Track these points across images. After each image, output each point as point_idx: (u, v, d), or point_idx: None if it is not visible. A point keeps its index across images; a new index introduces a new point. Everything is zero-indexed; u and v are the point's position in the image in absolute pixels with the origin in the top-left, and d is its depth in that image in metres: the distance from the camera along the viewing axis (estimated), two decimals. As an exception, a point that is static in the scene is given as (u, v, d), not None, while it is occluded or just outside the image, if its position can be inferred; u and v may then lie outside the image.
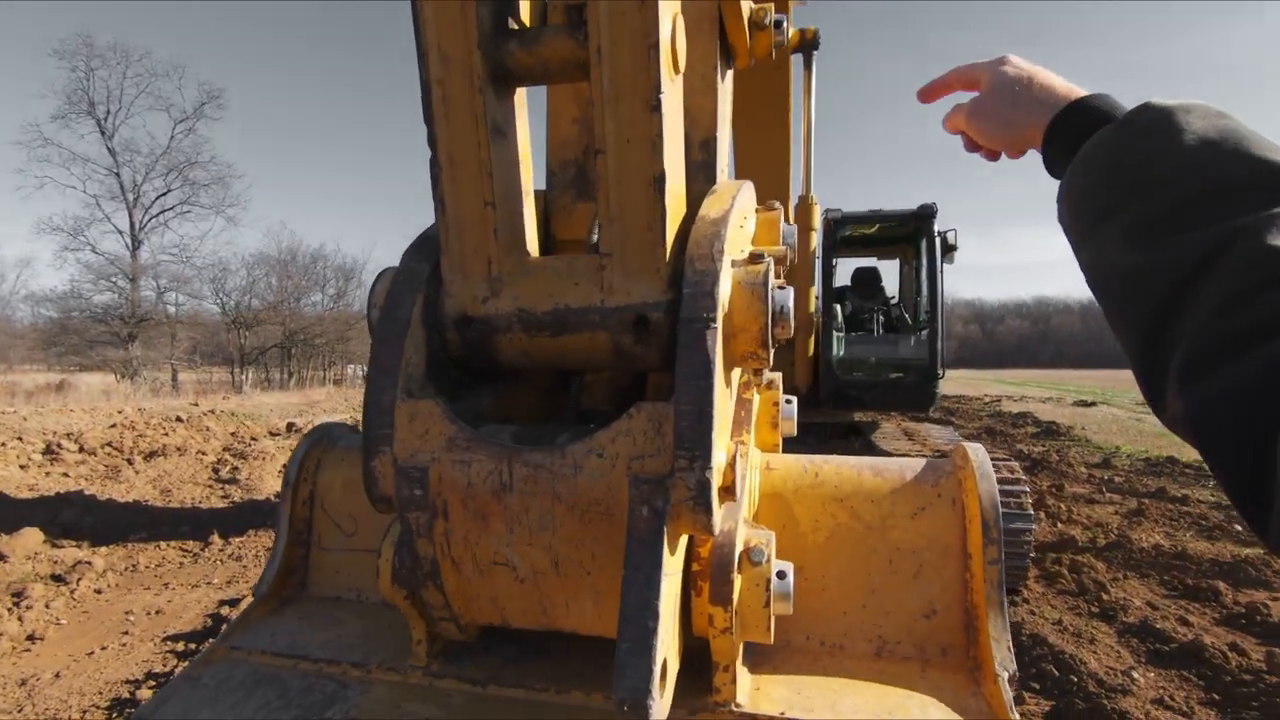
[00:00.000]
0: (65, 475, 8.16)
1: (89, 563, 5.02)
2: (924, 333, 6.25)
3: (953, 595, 1.03)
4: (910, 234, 6.69)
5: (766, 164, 5.59)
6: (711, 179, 1.28)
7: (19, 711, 3.19)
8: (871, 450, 5.94)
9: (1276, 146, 0.62)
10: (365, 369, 0.90)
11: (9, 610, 4.18)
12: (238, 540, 5.96)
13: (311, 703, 0.99)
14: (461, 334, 0.94)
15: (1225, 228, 0.58)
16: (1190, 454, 9.95)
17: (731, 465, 0.83)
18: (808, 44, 5.51)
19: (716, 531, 0.81)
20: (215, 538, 5.93)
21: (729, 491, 0.83)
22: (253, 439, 11.55)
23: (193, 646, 3.92)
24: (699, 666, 0.95)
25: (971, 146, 0.95)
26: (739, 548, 0.89)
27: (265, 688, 1.03)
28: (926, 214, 6.12)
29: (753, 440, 1.18)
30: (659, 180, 0.83)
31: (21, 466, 8.22)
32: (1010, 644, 0.96)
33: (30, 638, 3.92)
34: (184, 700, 1.01)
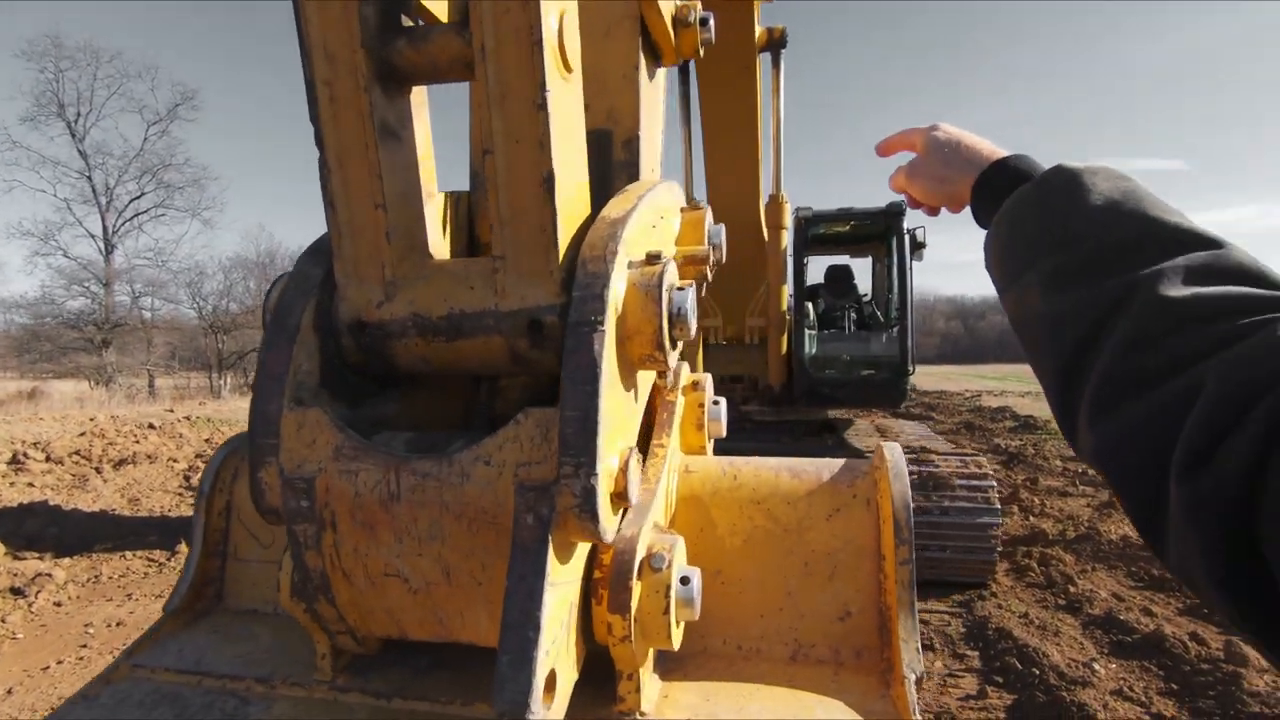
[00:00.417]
0: (30, 485, 8.00)
1: (49, 575, 4.92)
2: (895, 329, 6.29)
3: (867, 597, 1.02)
4: (881, 232, 6.74)
5: (736, 163, 5.60)
6: (635, 178, 1.27)
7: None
8: (845, 448, 5.98)
9: (1167, 206, 0.71)
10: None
11: (-37, 626, 4.09)
12: (206, 549, 5.84)
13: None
14: (357, 339, 0.92)
15: (1127, 279, 0.65)
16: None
17: (624, 471, 0.81)
18: (775, 43, 5.52)
19: (608, 539, 0.80)
20: (183, 547, 5.84)
21: (622, 498, 0.81)
22: (227, 445, 11.36)
23: (153, 658, 3.84)
24: (609, 675, 0.93)
25: (914, 203, 1.05)
26: (640, 554, 0.88)
27: (164, 707, 1.00)
28: (895, 211, 6.17)
29: (674, 443, 1.17)
30: (548, 180, 0.81)
31: (-15, 477, 8.05)
32: (919, 645, 0.95)
33: (-15, 653, 3.83)
34: (79, 721, 0.97)
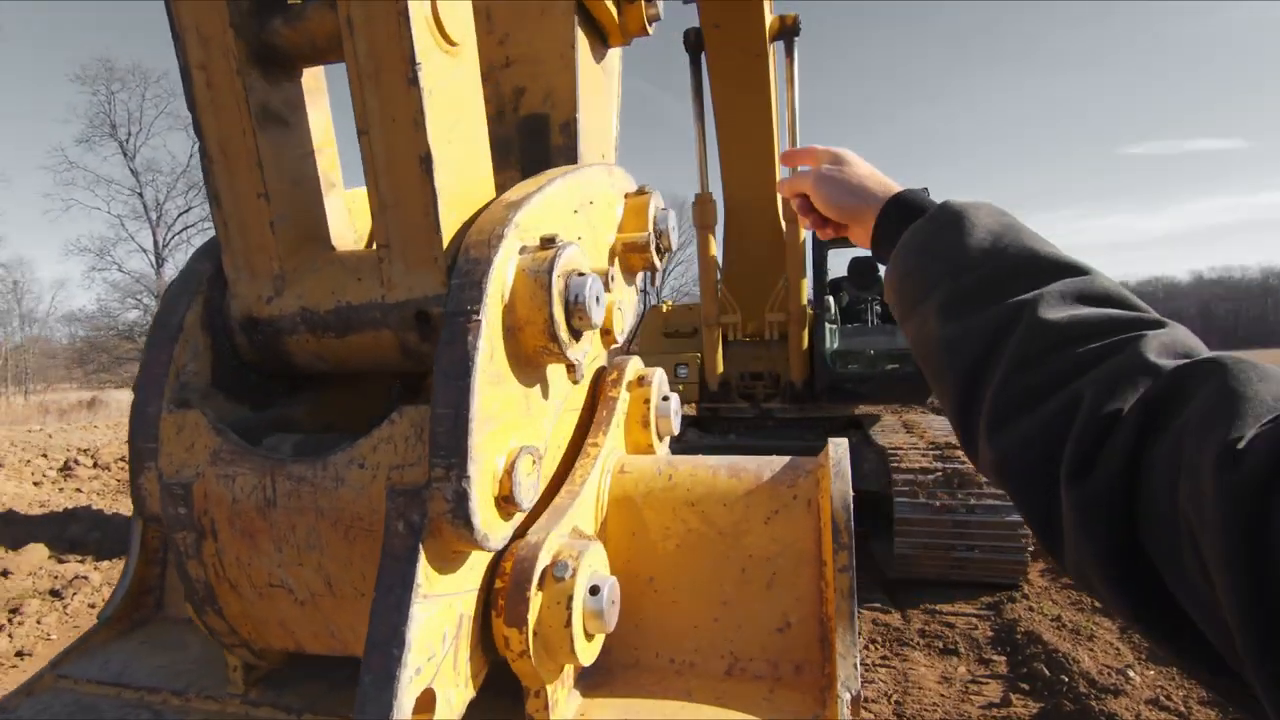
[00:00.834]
0: (78, 490, 8.32)
1: (86, 577, 5.09)
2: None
3: (808, 607, 0.94)
4: (905, 222, 6.52)
5: (750, 155, 5.48)
6: (573, 161, 1.21)
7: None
8: (870, 445, 5.81)
9: (1041, 238, 0.79)
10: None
11: (0, 627, 4.24)
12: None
13: (119, 735, 0.93)
14: (249, 337, 0.88)
15: (1012, 304, 0.72)
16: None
17: (510, 473, 0.75)
18: (788, 30, 5.39)
19: (491, 546, 0.74)
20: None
21: (509, 501, 0.75)
22: (265, 450, 11.68)
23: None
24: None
25: (804, 210, 1.09)
26: (543, 562, 0.81)
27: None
28: (917, 199, 5.95)
29: (614, 442, 1.10)
30: (425, 160, 0.76)
31: (35, 483, 8.40)
32: (858, 661, 0.86)
33: (19, 654, 3.97)
34: (-12, 734, 0.95)
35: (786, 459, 1.03)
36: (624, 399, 1.16)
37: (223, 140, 0.83)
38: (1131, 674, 3.14)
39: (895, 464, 5.44)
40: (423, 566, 0.70)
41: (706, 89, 5.60)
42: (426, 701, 0.71)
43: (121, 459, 9.80)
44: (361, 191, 1.08)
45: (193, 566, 0.81)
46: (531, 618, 0.79)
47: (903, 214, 0.90)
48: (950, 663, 3.88)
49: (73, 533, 6.38)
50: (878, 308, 6.98)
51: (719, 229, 6.21)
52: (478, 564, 0.80)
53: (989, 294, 0.74)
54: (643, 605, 1.00)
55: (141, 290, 34.53)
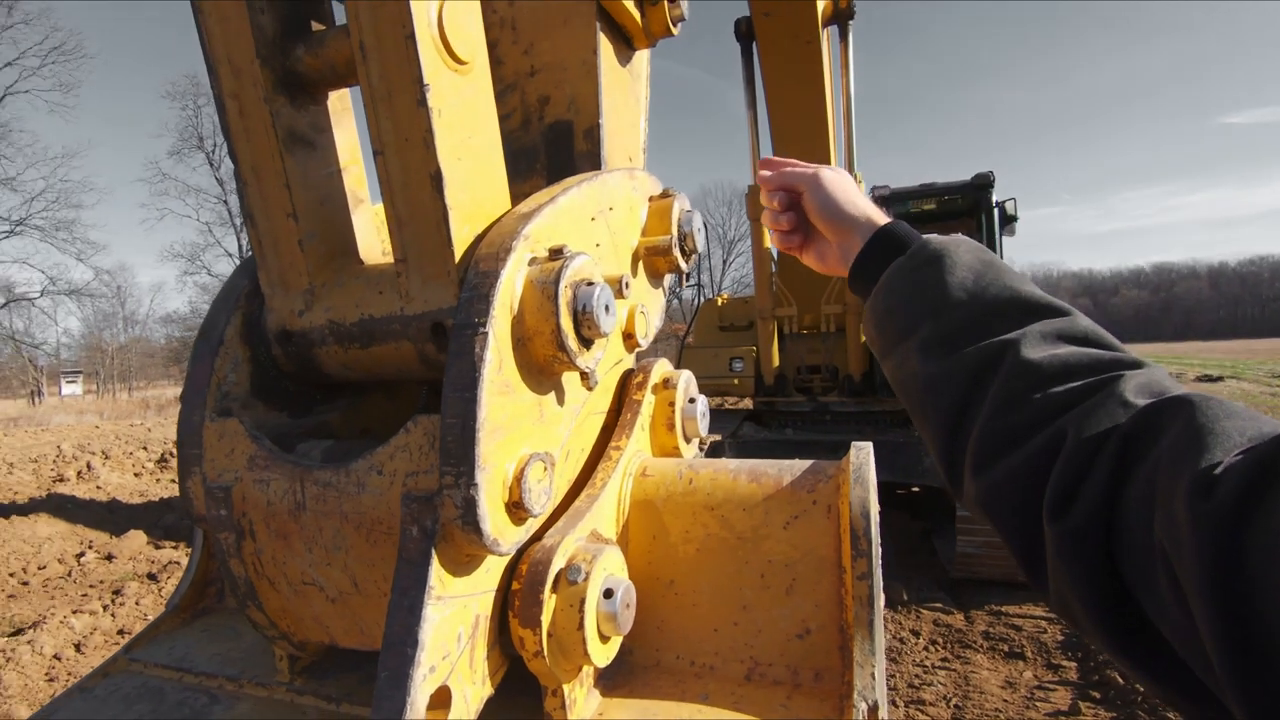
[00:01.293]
0: (172, 481, 8.95)
1: (178, 563, 5.48)
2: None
3: (828, 614, 0.93)
4: (968, 207, 6.26)
5: (804, 143, 5.36)
6: (597, 167, 1.22)
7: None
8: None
9: (1021, 276, 0.79)
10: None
11: (105, 607, 4.63)
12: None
13: (178, 716, 1.01)
14: (284, 348, 0.93)
15: (993, 344, 0.73)
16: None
17: (520, 479, 0.77)
18: (842, 13, 5.25)
19: (502, 550, 0.76)
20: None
21: (520, 507, 0.77)
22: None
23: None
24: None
25: (781, 210, 1.08)
26: (557, 566, 0.83)
27: (145, 701, 1.06)
28: (983, 184, 5.71)
29: (637, 445, 1.11)
30: (435, 178, 0.79)
31: (136, 474, 9.08)
32: (878, 670, 0.85)
33: (120, 632, 4.32)
34: (68, 712, 1.04)
35: (809, 463, 1.02)
36: (649, 402, 1.17)
37: (255, 163, 0.88)
38: (1216, 685, 2.93)
39: None
40: (435, 569, 0.73)
41: (759, 78, 5.52)
42: (442, 699, 0.74)
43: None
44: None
45: (234, 564, 0.87)
46: (546, 620, 0.81)
47: (887, 248, 0.91)
48: (1016, 667, 3.72)
49: (167, 521, 6.88)
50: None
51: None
52: (495, 566, 0.83)
53: (971, 333, 0.76)
54: (663, 608, 1.01)
55: (228, 293, 36.74)
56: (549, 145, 1.25)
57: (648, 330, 1.13)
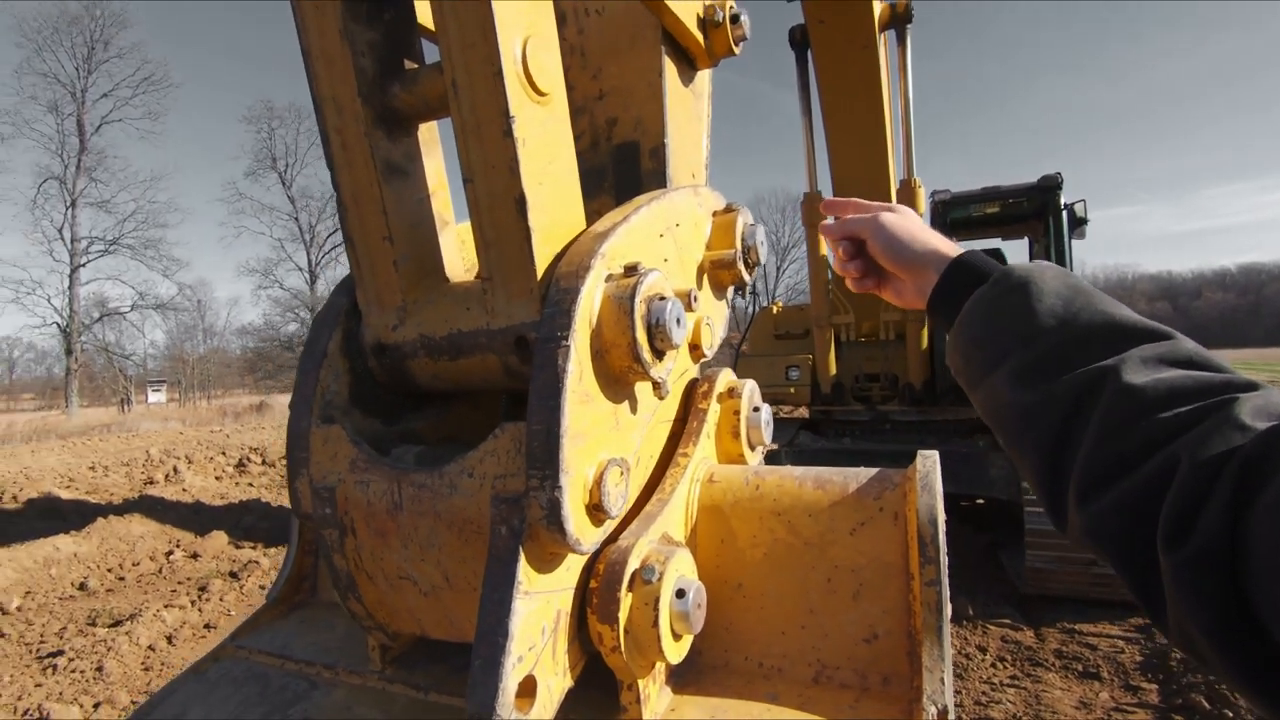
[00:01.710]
0: (250, 485, 9.44)
1: (257, 562, 5.78)
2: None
3: (895, 619, 0.95)
4: (1035, 209, 6.05)
5: (862, 150, 5.30)
6: (663, 185, 1.27)
7: (192, 690, 3.74)
8: (999, 450, 5.44)
9: (1113, 301, 0.78)
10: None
11: (192, 602, 4.92)
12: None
13: (282, 700, 1.10)
14: (380, 361, 1.01)
15: (1092, 370, 0.72)
16: None
17: (600, 482, 0.82)
18: (899, 18, 5.17)
19: (582, 549, 0.81)
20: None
21: (599, 509, 0.82)
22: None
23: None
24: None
25: (849, 257, 1.09)
26: (632, 566, 0.88)
27: (251, 684, 1.15)
28: (1050, 186, 5.52)
29: (704, 452, 1.15)
30: (520, 202, 0.85)
31: (217, 477, 9.62)
32: (946, 675, 0.86)
33: (207, 626, 4.59)
34: (186, 692, 1.15)
35: (874, 471, 1.04)
36: (714, 410, 1.20)
37: (355, 192, 0.96)
38: (1315, 713, 2.74)
39: None
40: (523, 566, 0.78)
41: (814, 84, 5.49)
42: (529, 687, 0.79)
43: (283, 457, 11.02)
44: (469, 225, 1.20)
45: (337, 559, 0.94)
46: (622, 616, 0.85)
47: (965, 278, 0.90)
48: (1091, 687, 3.56)
49: (246, 522, 7.26)
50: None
51: (829, 227, 6.06)
52: (574, 565, 0.88)
53: (1065, 361, 0.74)
54: (731, 610, 1.04)
55: (299, 305, 38.54)
56: (617, 164, 1.31)
57: (713, 341, 1.17)
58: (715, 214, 1.26)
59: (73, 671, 3.86)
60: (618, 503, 0.85)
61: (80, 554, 5.93)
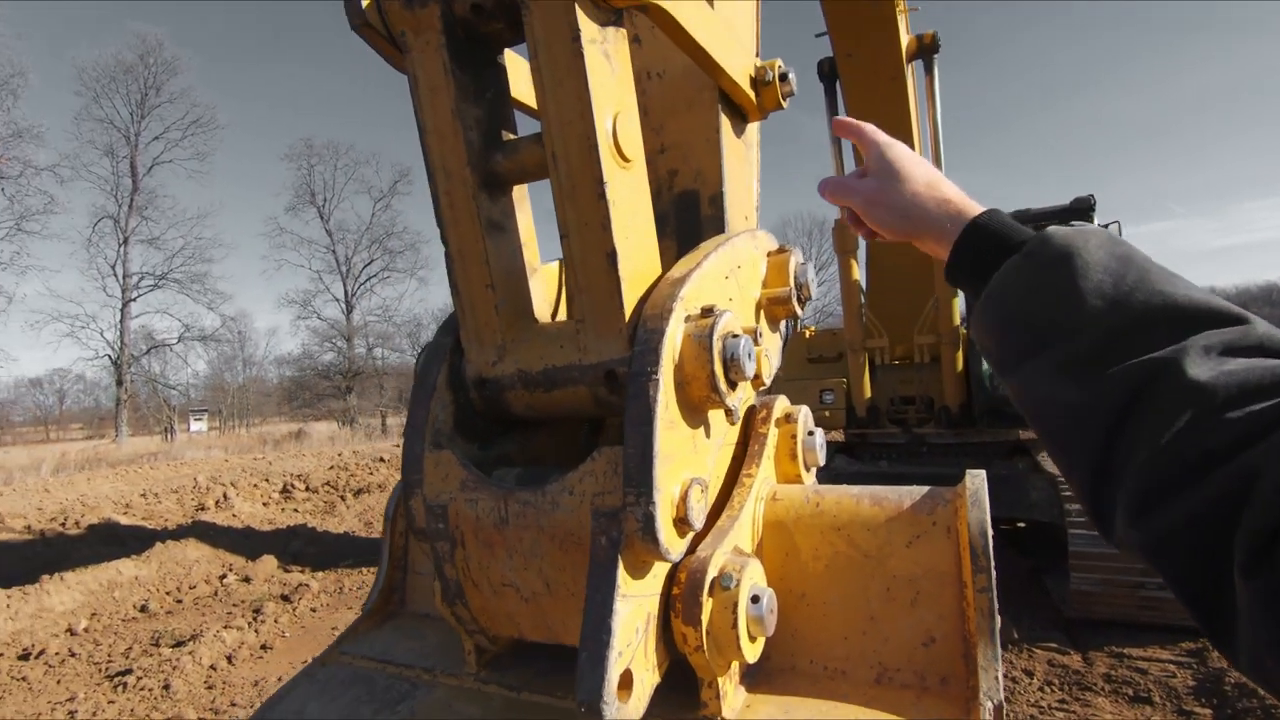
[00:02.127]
0: (295, 510, 9.71)
1: (307, 585, 5.97)
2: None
3: (951, 624, 1.03)
4: (1069, 231, 6.05)
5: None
6: (722, 230, 1.40)
7: (252, 708, 3.90)
8: (1039, 472, 5.41)
9: (1171, 275, 0.67)
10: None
11: (249, 623, 5.11)
12: (422, 567, 6.73)
13: (389, 699, 1.22)
14: (480, 393, 1.14)
15: (1147, 362, 0.62)
16: None
17: (684, 499, 0.93)
18: (926, 48, 5.30)
19: (671, 558, 0.92)
20: (404, 564, 6.75)
21: (684, 523, 0.93)
22: (440, 475, 12.95)
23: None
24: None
25: (854, 223, 1.05)
26: (711, 574, 0.98)
27: (359, 685, 1.28)
28: (1082, 207, 5.55)
29: (765, 472, 1.25)
30: (611, 256, 0.97)
31: (264, 504, 9.92)
32: (1000, 673, 0.95)
33: (263, 646, 4.75)
34: (302, 692, 1.28)
35: (925, 489, 1.13)
36: (773, 434, 1.31)
37: (460, 246, 1.10)
38: (1380, 739, 2.70)
39: (1069, 491, 5.03)
40: (621, 572, 0.89)
41: (843, 113, 5.64)
42: (626, 679, 0.89)
43: (327, 483, 11.30)
44: (548, 266, 1.34)
45: (447, 569, 1.07)
46: (704, 619, 0.96)
47: (989, 244, 0.81)
48: (1142, 712, 3.51)
49: (294, 547, 7.49)
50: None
51: (860, 253, 6.16)
52: (659, 573, 0.99)
53: (1117, 351, 0.65)
54: (796, 618, 1.14)
55: (335, 335, 39.59)
56: (678, 212, 1.44)
57: (771, 371, 1.28)
58: (769, 254, 1.38)
59: (142, 689, 4.06)
60: (700, 517, 0.96)
61: (141, 577, 6.20)
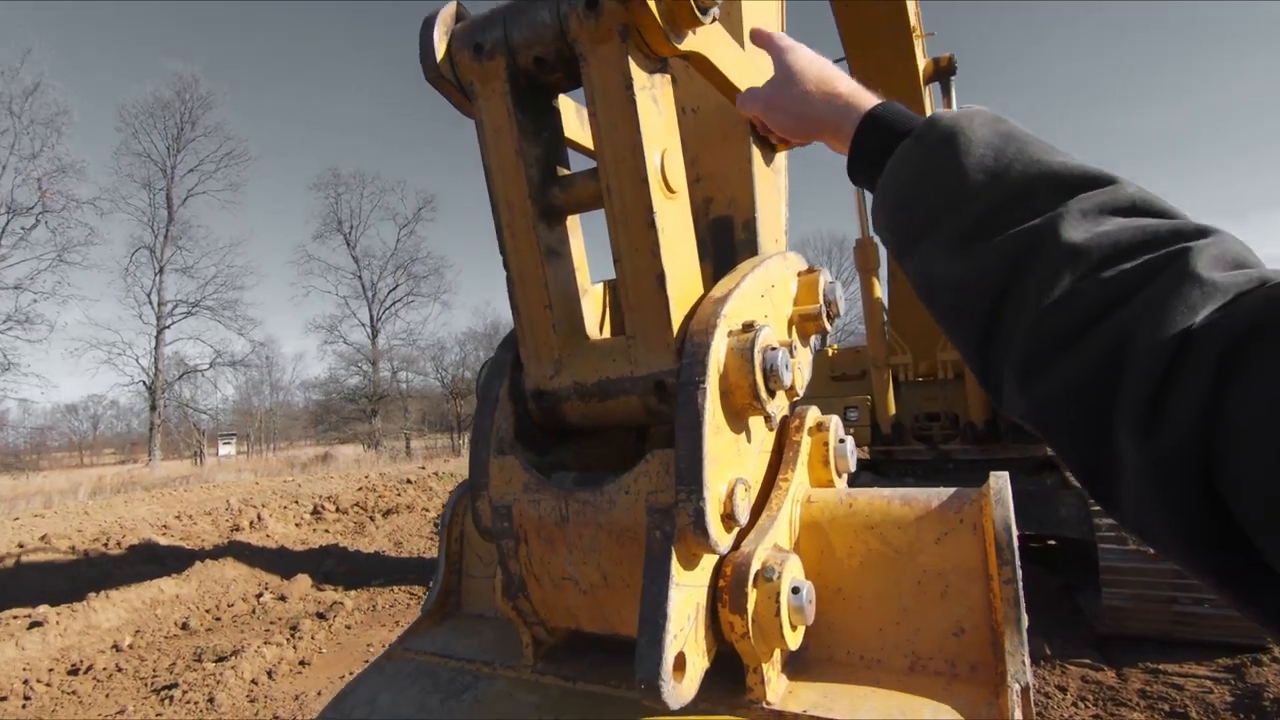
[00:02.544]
0: (326, 531, 9.89)
1: (341, 603, 6.10)
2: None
3: (979, 615, 1.11)
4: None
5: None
6: (755, 253, 1.51)
7: (293, 721, 4.01)
8: (1068, 488, 5.38)
9: (1049, 146, 0.69)
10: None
11: (287, 640, 5.23)
12: (452, 585, 6.83)
13: (454, 689, 1.32)
14: (538, 404, 1.25)
15: (1027, 230, 0.64)
16: None
17: (730, 497, 1.03)
18: (943, 71, 5.41)
19: (720, 550, 1.01)
20: (434, 583, 6.86)
21: (731, 519, 1.03)
22: (466, 496, 13.11)
23: (416, 675, 4.62)
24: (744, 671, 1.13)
25: (764, 130, 1.12)
26: (755, 567, 1.07)
27: (424, 678, 1.38)
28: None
29: (799, 477, 1.34)
30: (660, 279, 1.08)
31: (296, 524, 10.12)
32: (1026, 658, 1.03)
33: (301, 662, 4.87)
34: (371, 684, 1.38)
35: (952, 490, 1.21)
36: (806, 442, 1.40)
37: (521, 272, 1.22)
38: None
39: (1098, 507, 4.99)
40: (674, 563, 0.99)
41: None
42: (680, 661, 0.98)
43: (356, 504, 11.49)
44: (594, 287, 1.46)
45: (511, 564, 1.17)
46: (750, 608, 1.05)
47: (884, 135, 0.82)
48: (1182, 729, 3.48)
49: (326, 566, 7.64)
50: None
51: (882, 271, 6.23)
52: (707, 566, 1.08)
53: (998, 222, 0.66)
54: (832, 612, 1.22)
55: (361, 359, 40.30)
56: (713, 236, 1.55)
57: (804, 382, 1.37)
58: (800, 273, 1.48)
59: (187, 702, 4.19)
60: (745, 513, 1.05)
61: (181, 595, 6.38)
